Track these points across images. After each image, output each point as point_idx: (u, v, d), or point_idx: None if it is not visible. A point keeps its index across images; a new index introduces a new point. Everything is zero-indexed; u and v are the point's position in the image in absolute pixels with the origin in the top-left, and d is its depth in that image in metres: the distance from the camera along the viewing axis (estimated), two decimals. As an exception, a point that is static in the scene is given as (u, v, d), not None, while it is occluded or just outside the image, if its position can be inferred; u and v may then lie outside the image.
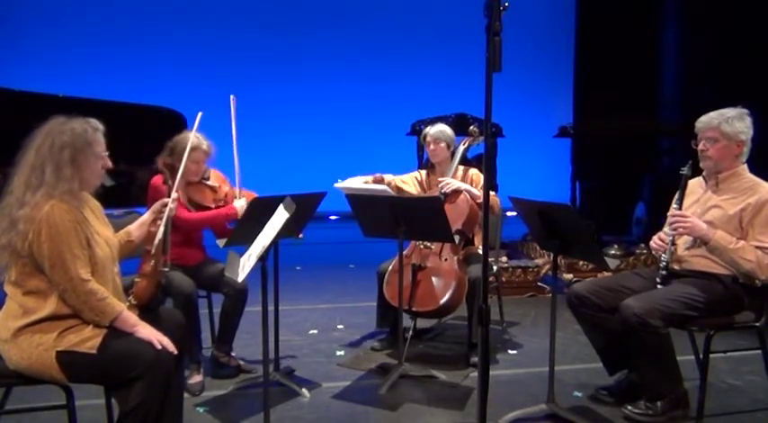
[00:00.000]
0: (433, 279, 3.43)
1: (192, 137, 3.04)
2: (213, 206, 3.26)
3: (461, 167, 3.76)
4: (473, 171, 3.78)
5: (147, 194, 3.17)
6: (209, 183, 3.31)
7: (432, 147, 3.74)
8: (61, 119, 2.18)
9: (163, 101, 5.31)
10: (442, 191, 3.53)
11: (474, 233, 3.68)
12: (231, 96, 3.31)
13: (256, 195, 3.37)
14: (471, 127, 3.84)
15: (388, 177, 3.80)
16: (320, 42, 8.85)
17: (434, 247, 3.51)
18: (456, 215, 3.47)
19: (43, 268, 2.06)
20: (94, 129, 2.21)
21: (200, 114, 3.02)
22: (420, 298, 3.42)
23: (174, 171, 3.16)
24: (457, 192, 3.54)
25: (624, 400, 2.85)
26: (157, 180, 3.17)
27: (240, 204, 3.24)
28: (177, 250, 3.08)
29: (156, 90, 6.48)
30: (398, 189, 3.78)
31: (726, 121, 2.73)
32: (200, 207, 3.25)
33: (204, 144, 3.19)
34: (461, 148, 3.74)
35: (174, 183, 2.80)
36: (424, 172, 3.94)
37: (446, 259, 3.46)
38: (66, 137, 2.13)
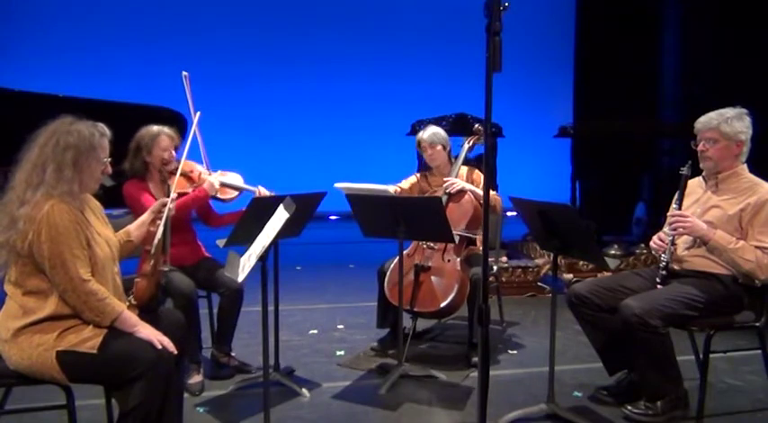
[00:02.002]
0: (436, 280, 3.43)
1: (154, 127, 3.02)
2: (191, 192, 3.20)
3: (466, 168, 3.76)
4: (478, 172, 3.77)
5: (126, 203, 3.14)
6: (181, 171, 3.26)
7: (429, 152, 3.70)
8: (69, 119, 2.18)
9: (163, 101, 5.30)
10: (447, 191, 3.53)
11: (476, 234, 3.68)
12: (183, 73, 3.20)
13: (228, 172, 3.33)
14: (476, 125, 3.83)
15: (390, 188, 3.74)
16: (320, 42, 8.85)
17: (437, 246, 3.50)
18: (460, 215, 3.47)
19: (43, 268, 2.06)
20: (101, 134, 2.21)
21: (197, 114, 3.01)
22: (422, 298, 3.41)
23: (143, 170, 3.15)
24: (461, 192, 3.53)
25: (624, 400, 2.85)
26: (129, 187, 3.15)
27: (210, 182, 3.17)
28: (174, 250, 3.07)
29: (156, 90, 6.47)
30: (402, 192, 3.77)
31: (725, 122, 2.73)
32: (179, 195, 3.19)
33: (166, 129, 3.16)
34: (465, 146, 3.72)
35: (173, 181, 2.80)
36: (421, 175, 3.92)
37: (449, 260, 3.45)
38: (72, 138, 2.13)
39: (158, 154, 3.13)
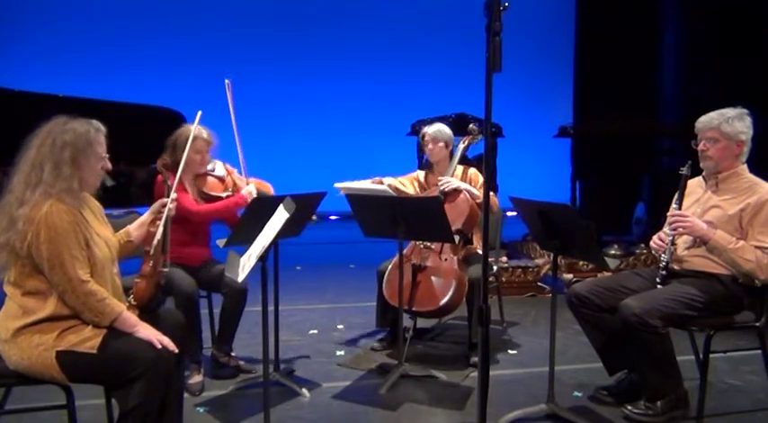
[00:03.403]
0: (433, 279, 3.43)
1: (193, 128, 3.05)
2: (224, 196, 3.28)
3: (461, 167, 3.76)
4: (472, 170, 3.78)
5: (154, 192, 3.17)
6: (216, 173, 3.33)
7: (430, 146, 3.75)
8: (63, 119, 2.18)
9: (163, 101, 5.30)
10: (442, 190, 3.53)
11: (473, 233, 3.68)
12: (226, 81, 3.29)
13: (265, 183, 3.39)
14: (470, 125, 3.84)
15: (387, 180, 3.78)
16: (320, 42, 8.84)
17: (434, 246, 3.50)
18: (456, 214, 3.47)
19: (42, 269, 2.06)
20: (96, 129, 2.22)
21: (199, 113, 3.02)
22: (420, 298, 3.41)
23: (175, 167, 3.17)
24: (456, 191, 3.54)
25: (624, 400, 2.85)
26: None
27: (248, 190, 3.26)
28: (182, 249, 3.08)
29: (156, 90, 6.47)
30: (397, 191, 3.77)
31: (726, 122, 2.73)
32: (211, 197, 3.27)
33: (204, 133, 3.20)
34: (461, 146, 3.74)
35: (173, 182, 2.80)
36: (422, 173, 3.94)
37: (446, 259, 3.45)
38: (68, 136, 2.13)
39: (190, 155, 3.14)
